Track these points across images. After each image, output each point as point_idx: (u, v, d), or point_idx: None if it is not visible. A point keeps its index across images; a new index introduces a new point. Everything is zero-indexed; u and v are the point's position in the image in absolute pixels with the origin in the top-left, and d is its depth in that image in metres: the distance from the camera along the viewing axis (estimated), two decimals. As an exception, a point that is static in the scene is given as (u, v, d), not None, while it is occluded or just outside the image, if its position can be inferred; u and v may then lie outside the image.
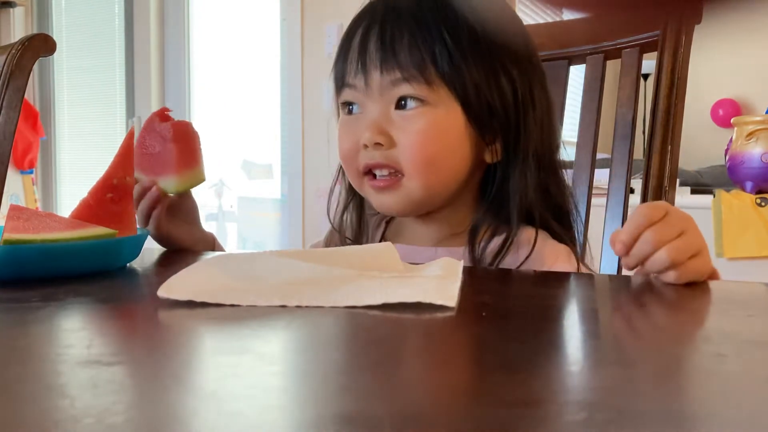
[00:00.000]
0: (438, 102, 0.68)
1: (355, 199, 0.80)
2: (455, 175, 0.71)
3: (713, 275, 0.58)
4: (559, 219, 0.73)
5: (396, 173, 0.69)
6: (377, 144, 0.68)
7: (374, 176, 0.71)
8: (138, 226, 0.76)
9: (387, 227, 0.81)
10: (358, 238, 0.80)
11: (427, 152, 0.68)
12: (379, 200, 0.71)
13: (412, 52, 0.67)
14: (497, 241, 0.70)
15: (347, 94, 0.72)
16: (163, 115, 0.78)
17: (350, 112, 0.72)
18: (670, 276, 0.54)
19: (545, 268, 0.69)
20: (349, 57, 0.70)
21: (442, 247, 0.73)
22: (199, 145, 0.79)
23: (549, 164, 0.73)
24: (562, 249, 0.71)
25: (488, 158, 0.72)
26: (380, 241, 0.78)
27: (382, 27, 0.68)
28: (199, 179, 0.78)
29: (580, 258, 0.74)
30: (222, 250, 0.86)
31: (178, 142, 0.77)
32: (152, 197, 0.77)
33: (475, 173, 0.73)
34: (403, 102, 0.68)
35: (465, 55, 0.67)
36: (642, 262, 0.55)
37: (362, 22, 0.70)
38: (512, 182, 0.71)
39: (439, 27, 0.67)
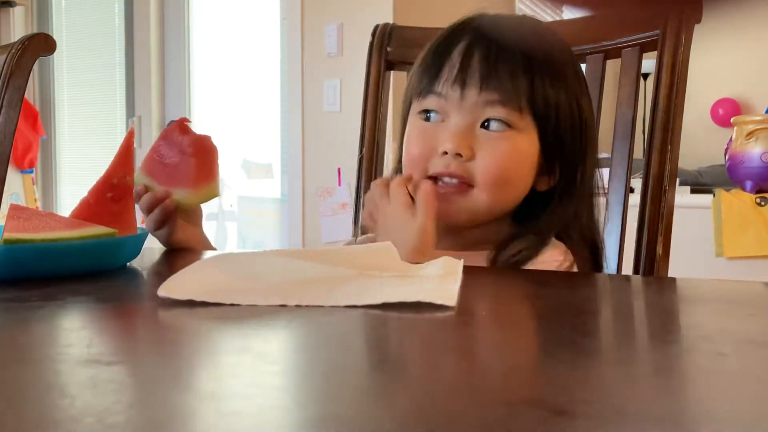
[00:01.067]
0: (522, 129, 0.71)
1: None
2: (517, 198, 0.74)
3: None
4: (590, 246, 0.76)
5: (468, 184, 0.71)
6: (458, 154, 0.70)
7: (435, 182, 0.72)
8: (141, 227, 0.76)
9: None
10: None
11: (505, 173, 0.71)
12: (442, 206, 0.71)
13: (513, 78, 0.70)
14: (517, 248, 0.72)
15: (432, 102, 0.73)
16: (183, 127, 0.78)
17: (427, 119, 0.74)
18: None
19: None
20: (446, 66, 0.72)
21: (471, 251, 0.73)
22: (217, 160, 0.79)
23: (592, 196, 0.77)
24: (559, 245, 0.73)
25: (542, 187, 0.75)
26: None
27: (488, 48, 0.71)
28: (214, 194, 0.79)
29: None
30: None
31: (198, 157, 0.77)
32: (166, 209, 0.77)
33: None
34: (486, 123, 0.71)
35: (555, 90, 0.72)
36: None
37: (463, 38, 0.73)
38: (560, 211, 0.74)
39: (538, 61, 0.71)
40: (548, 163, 0.74)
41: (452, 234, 0.76)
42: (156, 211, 0.78)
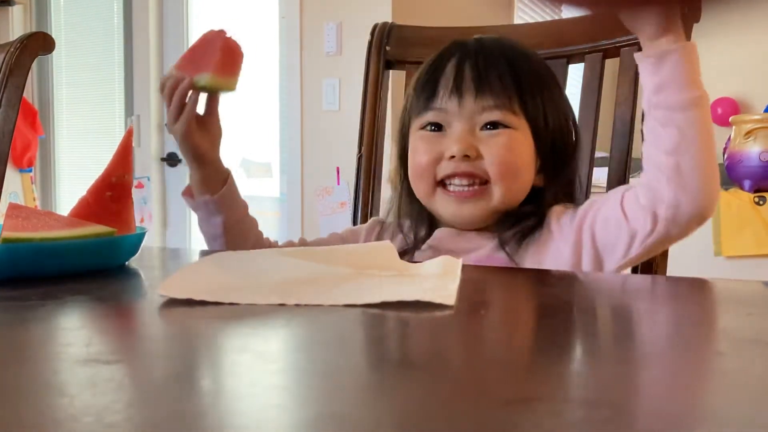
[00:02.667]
0: (518, 127, 0.77)
1: (414, 212, 0.84)
2: (525, 189, 0.79)
3: None
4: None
5: (482, 183, 0.76)
6: (466, 156, 0.75)
7: (445, 186, 0.77)
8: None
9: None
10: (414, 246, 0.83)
11: (511, 162, 0.76)
12: (458, 209, 0.77)
13: (503, 84, 0.77)
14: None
15: (432, 116, 0.79)
16: (221, 31, 0.83)
17: (431, 131, 0.79)
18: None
19: (556, 225, 0.77)
20: (441, 83, 0.79)
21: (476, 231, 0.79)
22: (241, 62, 0.83)
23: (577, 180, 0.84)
24: (569, 207, 0.79)
25: (538, 182, 0.80)
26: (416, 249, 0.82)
27: (476, 62, 0.78)
28: (230, 87, 0.82)
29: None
30: (235, 188, 0.87)
31: (225, 50, 0.81)
32: (184, 87, 0.79)
33: None
34: (488, 126, 0.76)
35: (541, 92, 0.78)
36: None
37: (453, 56, 0.79)
38: (548, 198, 0.79)
39: (523, 70, 0.78)
40: (542, 161, 0.80)
41: (467, 243, 0.79)
42: (176, 93, 0.79)
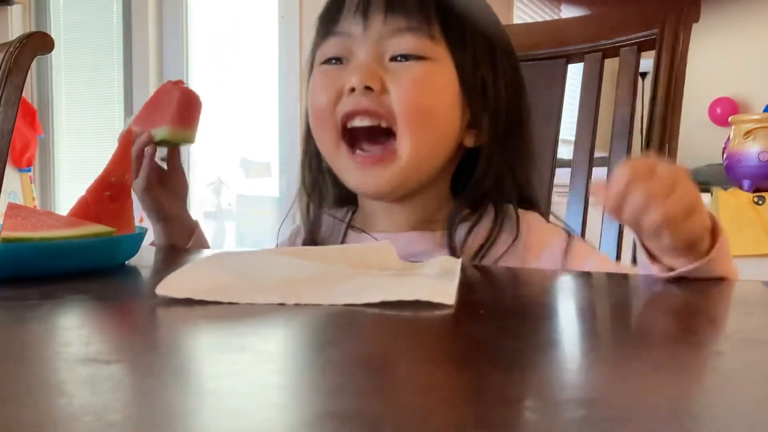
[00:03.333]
0: (436, 58, 0.64)
1: (318, 184, 0.74)
2: (444, 144, 0.67)
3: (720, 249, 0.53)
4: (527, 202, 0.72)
5: (387, 134, 0.64)
6: (367, 88, 0.63)
7: (353, 150, 0.66)
8: (140, 226, 0.76)
9: (352, 218, 0.75)
10: (314, 235, 0.74)
11: (423, 102, 0.64)
12: (362, 176, 0.66)
13: (421, 3, 0.64)
14: (483, 230, 0.68)
15: (334, 45, 0.66)
16: (177, 81, 0.82)
17: (333, 65, 0.67)
18: (665, 238, 0.50)
19: (538, 250, 0.67)
20: (346, 2, 0.65)
21: (417, 231, 0.69)
22: (199, 113, 0.81)
23: (528, 153, 0.72)
24: (556, 231, 0.69)
25: (469, 142, 0.69)
26: (344, 234, 0.74)
27: None
28: (189, 139, 0.81)
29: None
30: (203, 239, 0.84)
31: (182, 102, 0.80)
32: (141, 142, 0.77)
33: (453, 158, 0.70)
34: (400, 57, 0.64)
35: (471, 25, 0.66)
36: (633, 221, 0.51)
37: None
38: (494, 168, 0.68)
39: None
40: (474, 113, 0.68)
41: (394, 212, 0.71)
42: (132, 151, 0.75)
